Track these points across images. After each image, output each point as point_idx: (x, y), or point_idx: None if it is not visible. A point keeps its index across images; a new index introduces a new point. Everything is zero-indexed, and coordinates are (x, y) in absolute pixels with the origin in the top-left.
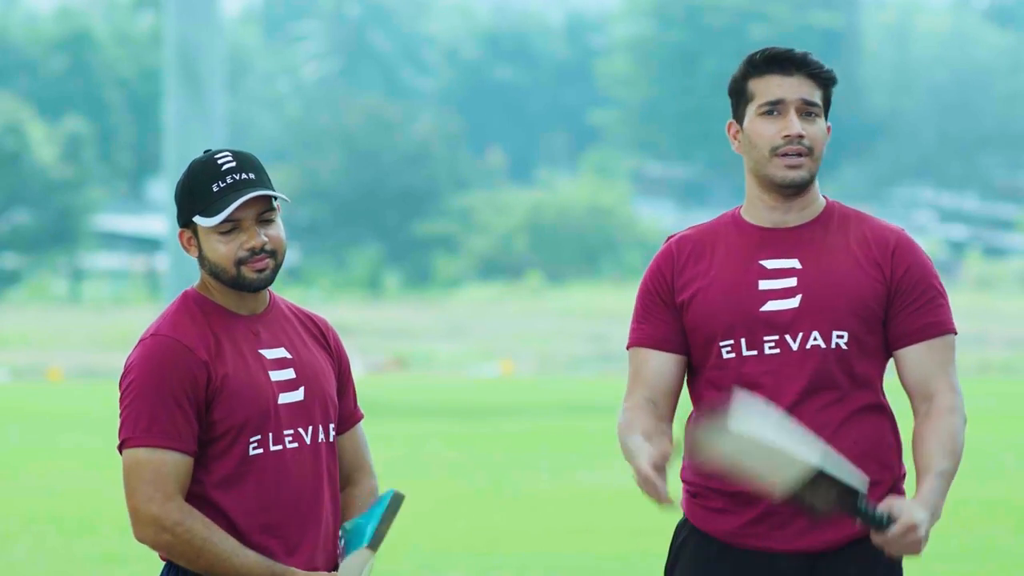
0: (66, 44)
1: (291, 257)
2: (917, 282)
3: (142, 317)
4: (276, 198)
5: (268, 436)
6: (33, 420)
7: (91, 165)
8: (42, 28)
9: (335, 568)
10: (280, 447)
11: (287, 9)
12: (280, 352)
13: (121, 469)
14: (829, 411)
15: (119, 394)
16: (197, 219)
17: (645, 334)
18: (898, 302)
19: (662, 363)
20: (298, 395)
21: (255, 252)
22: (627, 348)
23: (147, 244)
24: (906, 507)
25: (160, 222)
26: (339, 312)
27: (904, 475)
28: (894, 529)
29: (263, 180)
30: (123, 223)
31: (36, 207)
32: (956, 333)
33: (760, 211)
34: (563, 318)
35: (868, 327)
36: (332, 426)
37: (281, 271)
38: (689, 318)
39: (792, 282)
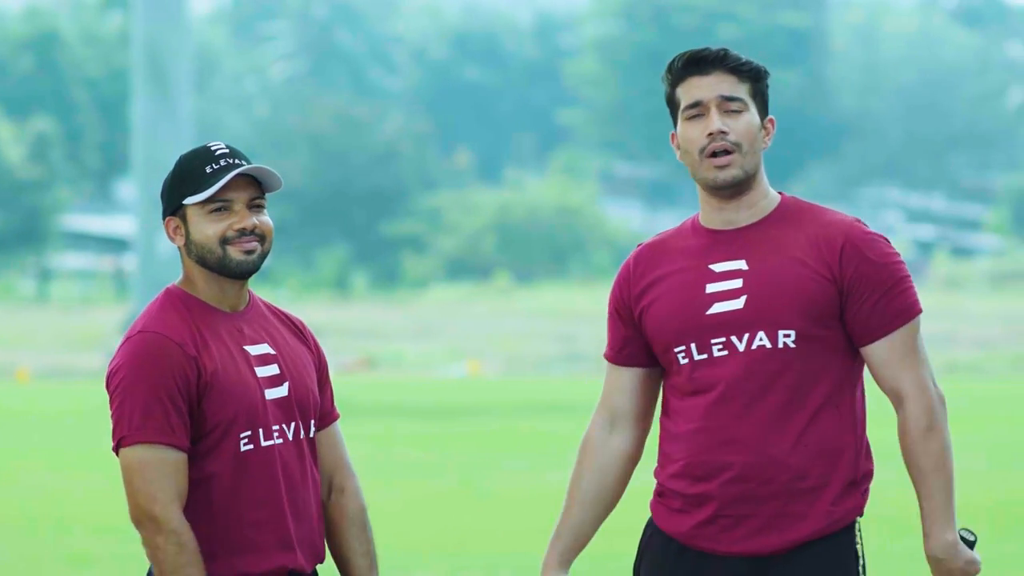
0: (34, 44)
1: None
2: (869, 275)
3: (110, 317)
4: (264, 194)
5: (259, 432)
6: (2, 421)
7: (59, 165)
8: (9, 28)
9: (321, 562)
10: (271, 443)
11: (255, 9)
12: (264, 348)
13: (120, 467)
14: (782, 412)
15: (109, 395)
16: (188, 200)
17: (609, 349)
18: (852, 301)
19: (621, 379)
20: (283, 391)
21: (244, 232)
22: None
23: (115, 244)
24: (934, 548)
25: (128, 222)
26: (307, 312)
27: (867, 474)
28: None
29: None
30: (91, 223)
31: (3, 207)
32: (919, 311)
33: (710, 214)
34: (531, 318)
35: (818, 324)
36: (313, 422)
37: None
38: (647, 328)
39: (738, 283)
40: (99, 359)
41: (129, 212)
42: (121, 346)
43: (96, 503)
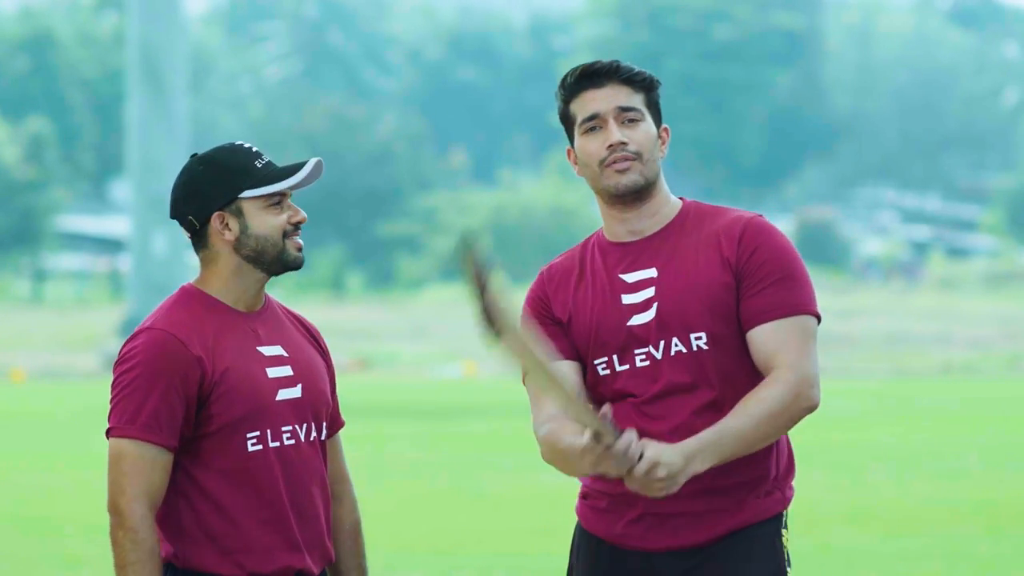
0: (29, 45)
1: None
2: (763, 263)
3: (105, 318)
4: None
5: (267, 432)
6: None
7: (54, 166)
8: (5, 29)
9: (331, 563)
10: (278, 444)
11: (250, 10)
12: (277, 349)
13: (107, 460)
14: (702, 413)
15: (112, 382)
16: (249, 193)
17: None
18: (744, 285)
19: (566, 369)
20: (296, 392)
21: (298, 226)
22: (523, 382)
23: (110, 245)
24: (658, 448)
25: (123, 223)
26: (302, 313)
27: (790, 468)
28: (640, 465)
29: None
30: (86, 224)
31: None
32: (813, 315)
33: (614, 227)
34: None
35: (728, 323)
36: (325, 425)
37: None
38: (573, 339)
39: (650, 292)
40: (94, 360)
41: (124, 213)
42: (130, 339)
43: (90, 504)
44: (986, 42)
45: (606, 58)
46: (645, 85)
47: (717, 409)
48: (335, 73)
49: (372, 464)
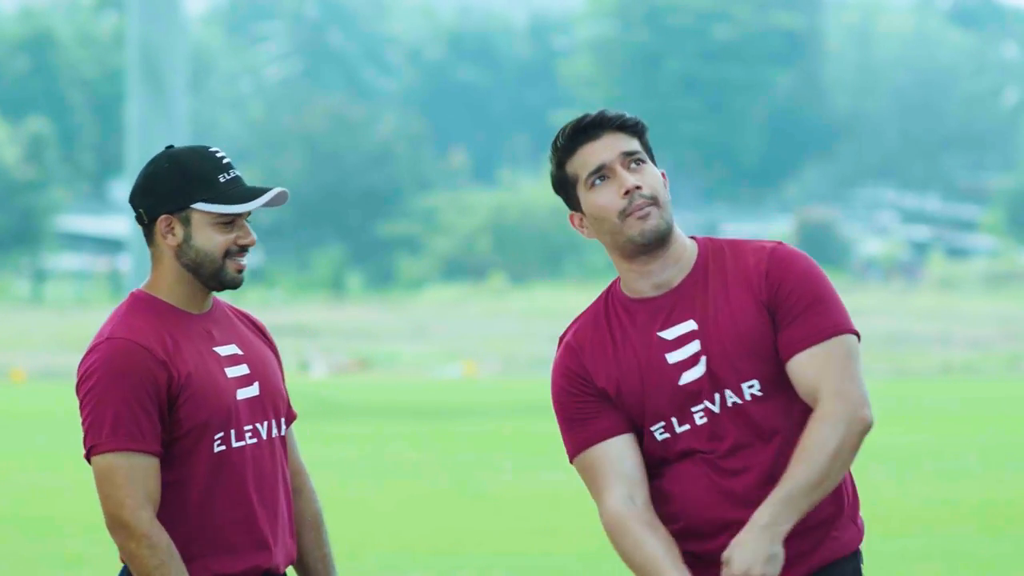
0: (28, 45)
1: (254, 258)
2: (791, 292)
3: (105, 318)
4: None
5: (231, 433)
6: None
7: (54, 166)
8: (4, 29)
9: (293, 562)
10: (242, 443)
11: (250, 10)
12: (232, 348)
13: (92, 475)
14: (773, 460)
15: (79, 401)
16: (201, 206)
17: (591, 432)
18: (778, 318)
19: (623, 447)
20: (254, 390)
21: (245, 249)
22: (572, 461)
23: (110, 245)
24: (730, 552)
25: (123, 223)
26: (302, 313)
27: (856, 500)
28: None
29: None
30: (86, 224)
31: None
32: (850, 333)
33: (636, 283)
34: (526, 319)
35: (778, 364)
36: (283, 420)
37: (244, 271)
38: (626, 410)
39: (696, 346)
40: None
41: (124, 213)
42: (88, 353)
43: (90, 503)
44: (986, 42)
45: (606, 59)
46: (638, 130)
47: (792, 447)
48: (335, 73)
49: (372, 464)
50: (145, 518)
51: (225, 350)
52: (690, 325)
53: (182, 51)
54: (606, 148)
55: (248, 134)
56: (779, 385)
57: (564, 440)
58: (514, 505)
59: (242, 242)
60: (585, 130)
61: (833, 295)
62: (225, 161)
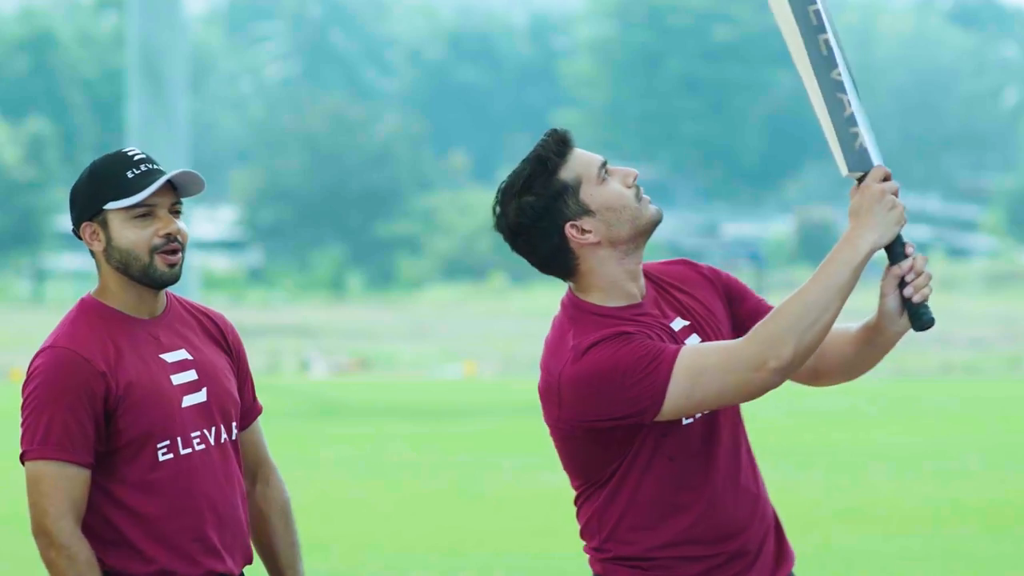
0: (29, 45)
1: (254, 258)
2: (733, 282)
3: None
4: (180, 200)
5: (176, 441)
6: None
7: (54, 166)
8: (5, 29)
9: (250, 563)
10: (189, 450)
11: (250, 10)
12: (181, 354)
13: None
14: (749, 456)
15: (21, 403)
16: (110, 205)
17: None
18: (739, 302)
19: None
20: (201, 396)
21: (170, 239)
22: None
23: None
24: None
25: None
26: (302, 313)
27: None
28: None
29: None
30: None
31: None
32: None
33: (626, 285)
34: (527, 319)
35: None
36: (235, 424)
37: (244, 272)
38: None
39: (696, 340)
40: None
41: None
42: (33, 359)
43: None
44: (986, 42)
45: (606, 59)
46: None
47: (741, 429)
48: (335, 73)
49: (372, 464)
50: (66, 529)
51: (173, 356)
52: (685, 323)
53: (182, 51)
54: (602, 160)
55: (248, 134)
56: None
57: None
58: (514, 505)
59: (162, 232)
60: (566, 141)
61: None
62: (137, 158)
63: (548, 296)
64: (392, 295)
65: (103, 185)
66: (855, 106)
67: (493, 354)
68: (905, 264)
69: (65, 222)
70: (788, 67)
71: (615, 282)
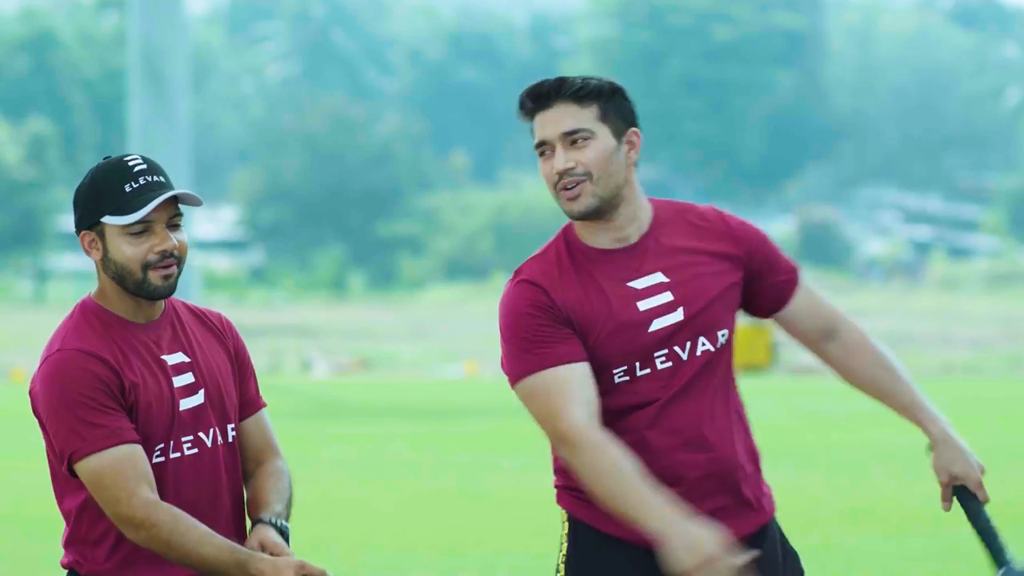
0: (30, 45)
1: (255, 258)
2: (760, 247)
3: None
4: (180, 207)
5: (169, 444)
6: None
7: (55, 166)
8: (5, 29)
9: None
10: (178, 455)
11: (251, 10)
12: (179, 357)
13: (86, 484)
14: (723, 407)
15: (40, 419)
16: (108, 219)
17: (557, 354)
18: (760, 274)
19: (586, 374)
20: (198, 399)
21: (165, 256)
22: (521, 380)
23: None
24: (951, 466)
25: None
26: (303, 313)
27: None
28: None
29: (171, 185)
30: None
31: (0, 208)
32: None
33: (597, 235)
34: None
35: (735, 314)
36: (231, 426)
37: (245, 272)
38: (587, 347)
39: (668, 296)
40: None
41: None
42: (40, 368)
43: None
44: (987, 42)
45: (607, 59)
46: (596, 95)
47: (726, 392)
48: (336, 73)
49: (373, 464)
50: (138, 504)
51: (173, 358)
52: (658, 277)
53: (183, 51)
54: (552, 122)
55: (249, 134)
56: (732, 337)
57: (512, 361)
58: (515, 505)
59: (157, 249)
60: (537, 99)
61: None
62: (137, 169)
63: None
64: (393, 295)
65: (102, 197)
66: None
67: (494, 354)
68: None
69: (67, 222)
70: (788, 67)
71: (581, 227)
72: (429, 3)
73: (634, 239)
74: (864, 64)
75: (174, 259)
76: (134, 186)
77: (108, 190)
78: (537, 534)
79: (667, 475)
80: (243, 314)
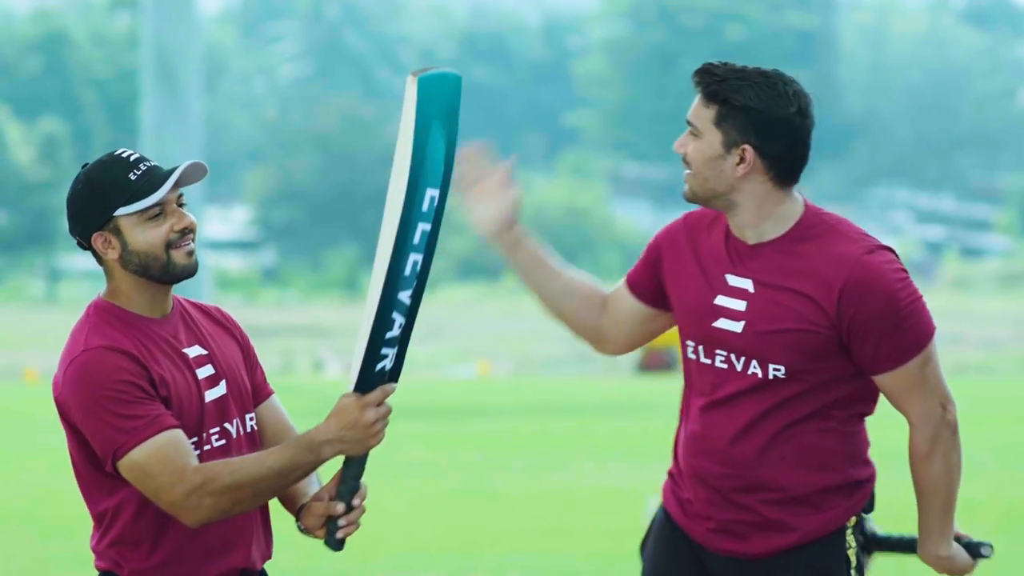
0: (42, 45)
1: (267, 258)
2: (870, 319)
3: None
4: (182, 192)
5: (200, 437)
6: (9, 421)
7: (67, 166)
8: (18, 29)
9: (269, 558)
10: (209, 447)
11: (264, 10)
12: (198, 349)
13: (129, 478)
14: (764, 429)
15: (72, 421)
16: (123, 210)
17: (631, 272)
18: (855, 341)
19: (629, 300)
20: (221, 390)
21: (184, 233)
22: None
23: None
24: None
25: None
26: (316, 313)
27: (861, 479)
28: None
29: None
30: None
31: (12, 208)
32: (928, 341)
33: (728, 220)
34: (540, 319)
35: (812, 362)
36: (250, 416)
37: (258, 272)
38: (669, 298)
39: (741, 306)
40: None
41: None
42: (66, 372)
43: None
44: (1000, 42)
45: (620, 59)
46: (720, 99)
47: (778, 418)
48: (348, 73)
49: (385, 464)
50: (191, 475)
51: (192, 351)
52: (747, 284)
53: (196, 51)
54: (693, 107)
55: (262, 134)
56: (804, 377)
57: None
58: (527, 505)
59: (178, 228)
60: (695, 79)
61: (912, 307)
62: (134, 158)
63: None
64: None
65: (109, 193)
66: (399, 330)
67: (507, 354)
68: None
69: None
70: (801, 67)
71: None
72: (441, 3)
73: (751, 241)
74: (876, 64)
75: (192, 235)
76: (138, 173)
77: (114, 184)
78: (548, 534)
79: (689, 473)
80: (255, 314)
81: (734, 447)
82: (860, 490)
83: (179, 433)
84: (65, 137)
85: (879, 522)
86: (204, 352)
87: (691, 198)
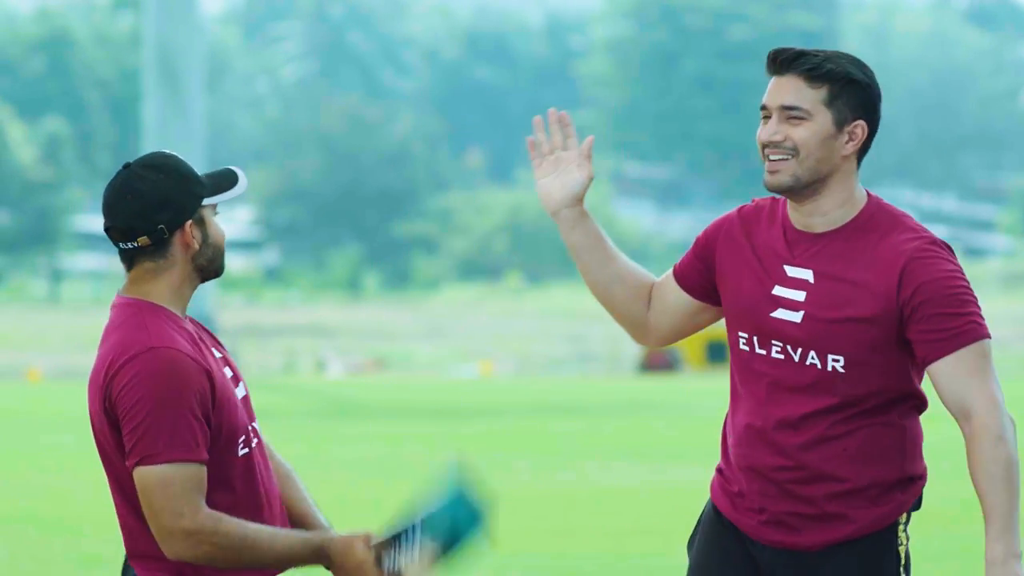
0: (45, 45)
1: (270, 258)
2: (929, 299)
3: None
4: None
5: (249, 435)
6: (12, 421)
7: (70, 166)
8: (21, 29)
9: None
10: (257, 442)
11: (266, 10)
12: (217, 352)
13: (140, 483)
14: (822, 421)
15: (124, 411)
16: (213, 199)
17: (679, 263)
18: (913, 324)
19: (676, 291)
20: (243, 390)
21: None
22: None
23: None
24: None
25: None
26: (319, 313)
27: (915, 476)
28: None
29: None
30: (102, 224)
31: (15, 208)
32: (986, 338)
33: (792, 210)
34: (542, 319)
35: (872, 352)
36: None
37: (260, 272)
38: (720, 293)
39: (801, 296)
40: None
41: None
42: (132, 364)
43: (106, 504)
44: (1003, 42)
45: (623, 59)
46: (828, 78)
47: (838, 409)
48: (352, 73)
49: (388, 464)
50: (204, 518)
51: (217, 353)
52: (807, 275)
53: (199, 51)
54: (778, 91)
55: (264, 134)
56: (863, 369)
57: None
58: (530, 505)
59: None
60: (775, 62)
61: (967, 298)
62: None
63: (564, 296)
64: (408, 295)
65: (195, 183)
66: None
67: (509, 354)
68: None
69: (83, 222)
70: None
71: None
72: (445, 3)
73: (819, 229)
74: (880, 64)
75: None
76: (201, 172)
77: (195, 176)
78: (552, 534)
79: (743, 463)
80: (258, 314)
81: (792, 438)
82: (913, 486)
83: (204, 471)
84: (68, 137)
85: (922, 520)
86: (220, 355)
87: (789, 186)
